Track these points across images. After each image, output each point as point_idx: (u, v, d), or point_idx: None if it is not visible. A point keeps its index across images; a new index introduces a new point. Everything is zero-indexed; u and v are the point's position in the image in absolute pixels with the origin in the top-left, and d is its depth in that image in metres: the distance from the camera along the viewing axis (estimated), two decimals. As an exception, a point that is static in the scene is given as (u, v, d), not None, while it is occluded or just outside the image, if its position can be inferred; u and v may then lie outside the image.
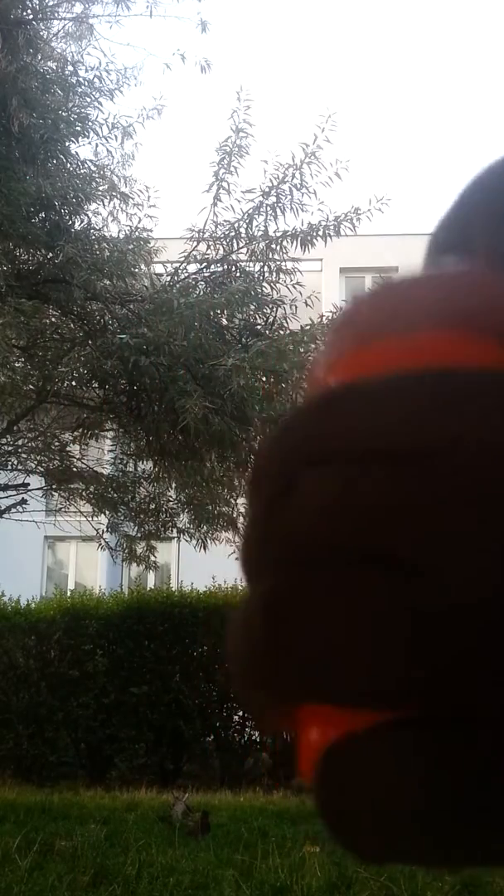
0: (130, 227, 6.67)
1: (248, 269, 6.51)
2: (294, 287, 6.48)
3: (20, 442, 8.44)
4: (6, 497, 8.29)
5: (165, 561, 14.88)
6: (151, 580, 14.01)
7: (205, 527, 8.22)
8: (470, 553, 0.21)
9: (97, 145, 6.45)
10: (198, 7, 6.42)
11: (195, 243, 6.46)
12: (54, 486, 9.01)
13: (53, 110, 5.72)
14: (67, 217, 6.07)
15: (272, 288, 6.40)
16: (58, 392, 7.13)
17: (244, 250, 6.45)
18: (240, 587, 10.03)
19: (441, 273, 0.28)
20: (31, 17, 5.53)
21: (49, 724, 9.12)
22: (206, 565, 9.86)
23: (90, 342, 6.21)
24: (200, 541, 8.39)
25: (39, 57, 6.02)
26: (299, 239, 6.30)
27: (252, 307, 6.19)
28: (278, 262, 6.47)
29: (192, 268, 6.58)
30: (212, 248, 6.45)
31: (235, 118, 6.20)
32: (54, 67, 6.44)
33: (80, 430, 7.51)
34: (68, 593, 10.77)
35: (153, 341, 5.49)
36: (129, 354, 5.54)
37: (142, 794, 7.89)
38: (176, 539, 9.33)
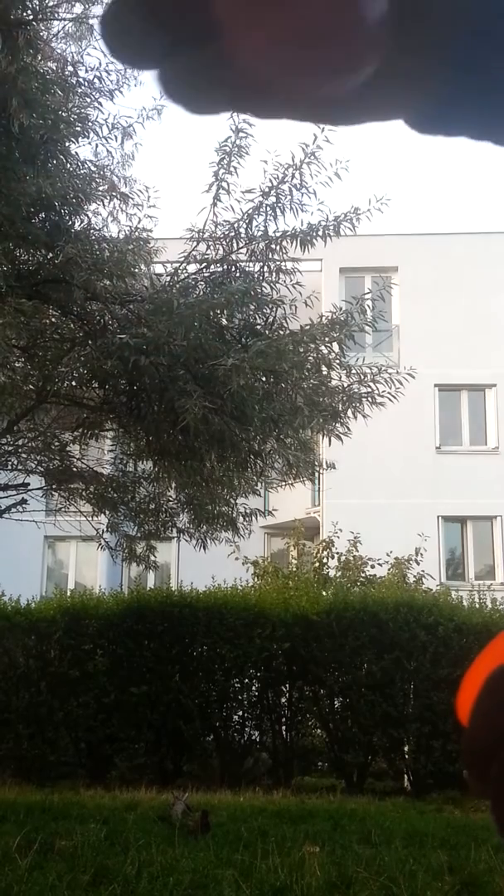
0: (130, 227, 6.67)
1: (247, 269, 6.51)
2: (294, 287, 6.48)
3: (20, 442, 8.45)
4: (6, 497, 8.30)
5: (165, 561, 14.89)
6: (151, 580, 14.02)
7: (205, 527, 8.23)
8: None
9: (97, 145, 6.45)
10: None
11: (195, 243, 6.46)
12: (54, 486, 9.02)
13: (53, 111, 5.71)
14: (67, 217, 6.07)
15: (272, 288, 6.40)
16: (58, 392, 7.13)
17: (244, 250, 6.45)
18: (239, 587, 10.04)
19: None
20: (31, 17, 5.53)
21: (49, 724, 9.12)
22: (206, 565, 9.88)
23: (90, 342, 6.21)
24: (200, 541, 8.40)
25: (39, 57, 6.01)
26: (299, 239, 6.30)
27: (252, 307, 6.19)
28: (278, 262, 6.47)
29: (192, 268, 6.58)
30: (211, 248, 6.45)
31: (235, 118, 6.19)
32: (54, 68, 6.44)
33: (80, 430, 7.51)
34: (68, 593, 10.78)
35: (153, 341, 5.50)
36: (129, 354, 5.54)
37: (142, 794, 7.90)
38: (176, 539, 9.33)
